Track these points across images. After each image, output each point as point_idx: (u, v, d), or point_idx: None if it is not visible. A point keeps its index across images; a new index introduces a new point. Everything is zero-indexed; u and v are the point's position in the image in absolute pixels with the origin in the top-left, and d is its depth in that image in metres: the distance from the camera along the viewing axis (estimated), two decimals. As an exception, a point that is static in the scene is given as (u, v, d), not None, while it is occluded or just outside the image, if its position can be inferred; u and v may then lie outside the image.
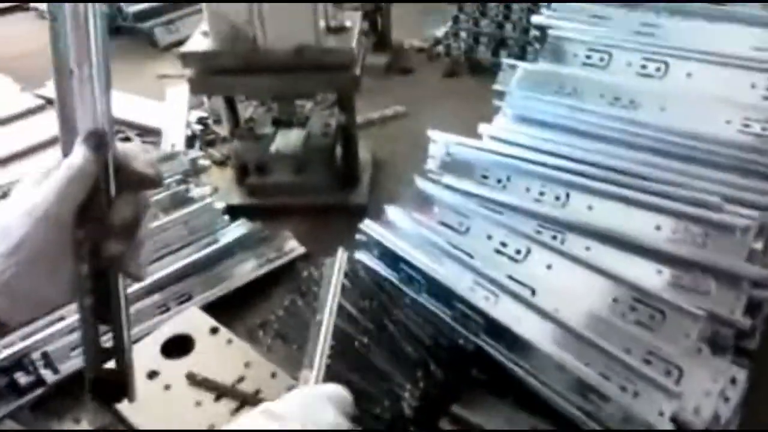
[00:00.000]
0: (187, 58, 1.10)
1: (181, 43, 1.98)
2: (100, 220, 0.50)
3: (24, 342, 0.89)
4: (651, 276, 0.92)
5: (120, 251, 0.51)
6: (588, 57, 1.26)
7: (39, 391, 0.86)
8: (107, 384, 0.51)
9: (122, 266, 0.51)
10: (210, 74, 1.11)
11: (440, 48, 1.95)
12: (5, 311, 0.50)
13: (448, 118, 1.63)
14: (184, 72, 1.78)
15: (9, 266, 0.48)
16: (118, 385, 0.51)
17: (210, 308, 1.03)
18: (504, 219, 1.04)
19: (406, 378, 0.84)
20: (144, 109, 1.65)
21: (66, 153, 0.50)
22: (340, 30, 1.14)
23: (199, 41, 1.13)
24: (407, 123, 1.64)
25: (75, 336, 0.92)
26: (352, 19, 1.18)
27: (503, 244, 1.01)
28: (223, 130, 1.56)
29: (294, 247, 1.16)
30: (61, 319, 0.94)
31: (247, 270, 1.10)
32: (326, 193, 1.26)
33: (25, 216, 0.49)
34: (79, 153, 0.50)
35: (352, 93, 1.16)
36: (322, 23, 1.11)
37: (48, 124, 1.56)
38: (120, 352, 0.51)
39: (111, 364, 0.51)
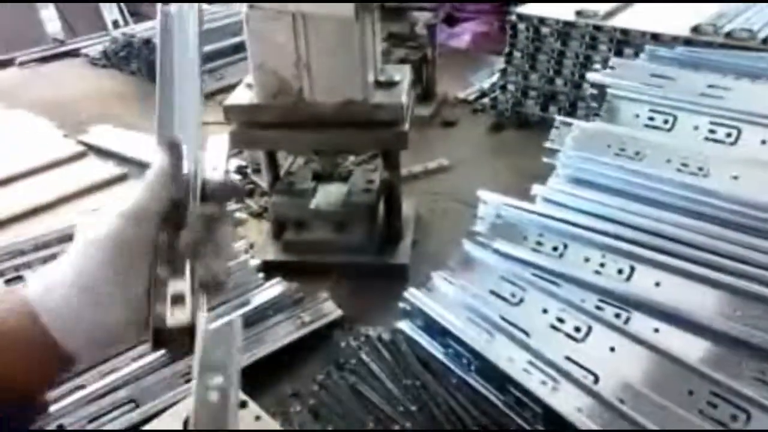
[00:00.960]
0: (230, 111, 1.06)
1: (224, 90, 2.00)
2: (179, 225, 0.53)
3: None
4: (731, 367, 0.82)
5: (196, 238, 0.53)
6: (651, 119, 1.18)
7: (53, 468, 0.79)
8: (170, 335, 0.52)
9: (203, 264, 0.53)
10: (252, 128, 1.07)
11: (486, 101, 1.90)
12: (72, 339, 0.50)
13: (494, 174, 1.57)
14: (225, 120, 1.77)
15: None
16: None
17: (239, 375, 0.96)
18: (561, 292, 0.95)
19: (453, 473, 0.75)
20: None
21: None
22: (389, 84, 1.09)
23: (243, 94, 1.09)
24: (451, 178, 1.58)
25: (93, 408, 0.86)
26: (402, 73, 1.14)
27: (560, 320, 0.92)
28: (262, 180, 1.52)
29: (331, 310, 1.09)
30: (81, 387, 0.88)
31: (280, 334, 1.03)
32: (366, 252, 1.19)
33: (113, 215, 0.52)
34: (158, 157, 0.54)
35: (399, 150, 1.10)
36: (370, 77, 1.05)
37: (89, 170, 1.54)
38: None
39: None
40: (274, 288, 1.09)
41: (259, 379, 0.95)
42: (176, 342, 0.52)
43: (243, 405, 0.87)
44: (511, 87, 1.77)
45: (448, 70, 2.01)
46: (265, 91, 1.05)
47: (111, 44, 2.29)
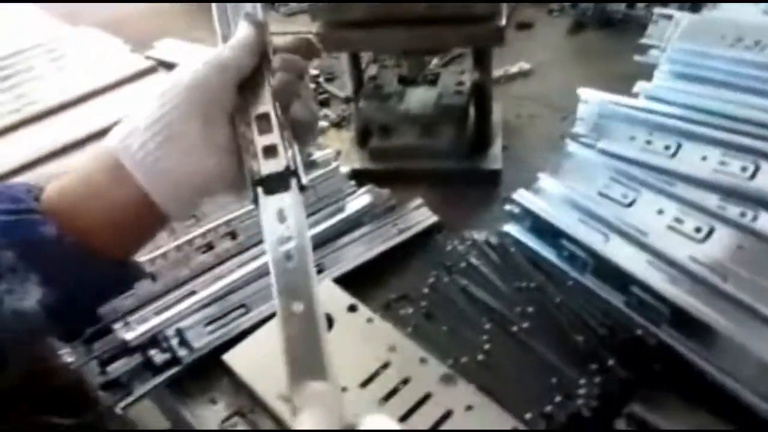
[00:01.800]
0: (315, 12, 1.01)
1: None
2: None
3: (158, 317, 0.83)
4: None
5: (286, 80, 0.56)
6: (773, 2, 1.08)
7: (174, 370, 0.80)
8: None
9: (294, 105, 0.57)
10: (340, 28, 1.01)
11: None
12: (159, 190, 0.50)
13: (579, 77, 1.47)
14: (288, 29, 1.72)
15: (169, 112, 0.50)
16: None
17: (337, 284, 0.94)
18: (678, 191, 0.90)
19: (580, 373, 0.73)
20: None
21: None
22: (483, -25, 1.01)
23: (328, -8, 1.03)
24: (534, 82, 1.50)
25: (208, 311, 0.86)
26: (494, -38, 1.05)
27: (678, 221, 0.87)
28: (336, 89, 1.48)
29: (426, 216, 1.06)
30: (193, 293, 0.88)
31: (378, 241, 1.01)
32: (456, 158, 1.15)
33: (196, 63, 0.53)
34: (244, 26, 0.56)
35: (495, 47, 1.04)
36: (463, -35, 0.98)
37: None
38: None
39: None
40: (367, 195, 1.07)
41: (363, 285, 0.94)
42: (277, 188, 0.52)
43: (352, 309, 0.87)
44: (593, -17, 1.65)
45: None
46: (351, -13, 0.99)
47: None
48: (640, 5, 1.60)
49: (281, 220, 0.50)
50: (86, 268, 0.50)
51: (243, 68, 0.54)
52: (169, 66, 1.64)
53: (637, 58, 1.37)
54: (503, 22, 1.01)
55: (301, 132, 0.56)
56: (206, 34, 1.88)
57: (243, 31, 0.56)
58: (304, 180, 0.53)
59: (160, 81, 0.55)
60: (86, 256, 0.50)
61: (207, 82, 0.51)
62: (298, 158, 0.54)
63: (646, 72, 1.24)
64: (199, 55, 0.54)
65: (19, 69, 1.64)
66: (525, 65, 1.52)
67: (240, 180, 0.53)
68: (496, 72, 1.49)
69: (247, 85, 0.55)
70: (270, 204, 0.51)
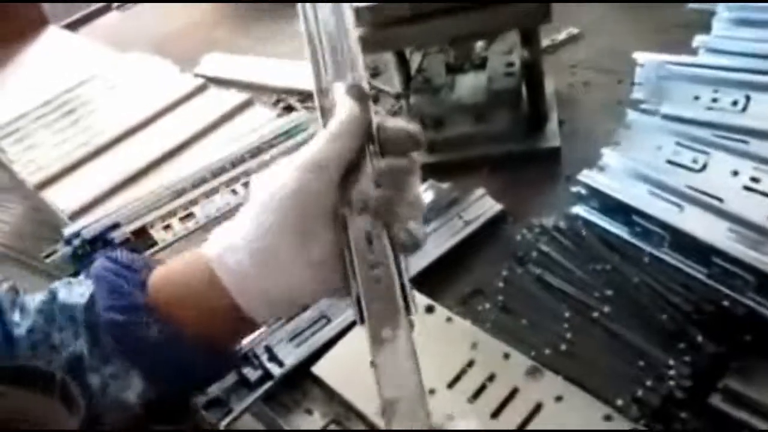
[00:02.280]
0: (358, 14, 1.01)
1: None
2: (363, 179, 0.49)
3: (245, 338, 0.87)
4: None
5: (387, 199, 0.48)
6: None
7: (267, 385, 0.84)
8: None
9: (395, 228, 0.49)
10: (384, 27, 1.01)
11: (605, -47, 1.70)
12: (252, 302, 0.50)
13: (633, 34, 1.42)
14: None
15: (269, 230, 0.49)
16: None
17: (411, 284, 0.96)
18: (752, 149, 0.86)
19: (668, 353, 0.73)
20: (298, 72, 1.60)
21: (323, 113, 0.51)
22: (520, -49, 0.98)
23: (367, -8, 1.03)
24: (584, 46, 1.45)
25: (292, 325, 0.90)
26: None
27: (755, 180, 0.84)
28: (383, 83, 1.48)
29: (490, 205, 1.05)
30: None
31: (445, 236, 1.02)
32: (513, 140, 1.14)
33: (291, 168, 0.49)
34: (347, 104, 0.49)
35: (542, 24, 1.01)
36: (500, -54, 0.96)
37: (213, 102, 1.55)
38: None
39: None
40: (428, 191, 1.07)
41: (437, 283, 0.95)
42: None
43: (430, 309, 0.88)
44: (634, -70, 1.57)
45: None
46: (390, -15, 0.98)
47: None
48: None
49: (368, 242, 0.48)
50: (185, 362, 0.51)
51: (346, 161, 0.48)
52: (218, 82, 1.68)
53: (691, 5, 1.32)
54: (547, -3, 0.98)
55: (402, 250, 0.50)
56: (249, 42, 1.93)
57: (346, 111, 0.49)
58: (413, 311, 0.49)
59: (256, 181, 0.51)
60: (186, 350, 0.50)
61: (305, 191, 0.47)
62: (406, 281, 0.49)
63: (703, 20, 1.18)
64: (291, 159, 0.49)
65: (80, 102, 1.71)
66: (573, 30, 1.48)
67: (340, 286, 0.50)
68: (544, 42, 1.45)
69: (352, 169, 0.50)
70: None
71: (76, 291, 0.51)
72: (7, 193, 1.56)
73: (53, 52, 2.06)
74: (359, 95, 0.50)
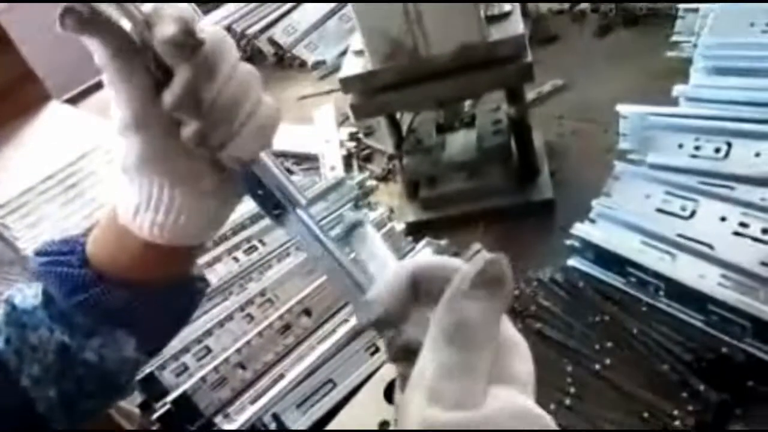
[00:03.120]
0: (347, 83, 1.05)
1: (318, 63, 2.00)
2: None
3: (254, 406, 0.88)
4: None
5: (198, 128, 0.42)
6: (798, -18, 1.06)
7: (277, 454, 0.84)
8: None
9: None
10: (372, 95, 1.05)
11: (585, 5, 1.77)
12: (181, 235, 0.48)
13: (615, 83, 1.47)
14: (322, 89, 1.77)
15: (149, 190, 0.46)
16: None
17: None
18: (737, 194, 0.89)
19: (672, 403, 0.73)
20: (295, 135, 1.64)
21: None
22: (502, 17, 1.03)
23: (355, 62, 1.07)
24: (570, 96, 1.50)
25: (298, 391, 0.90)
26: (509, 1, 1.07)
27: (743, 225, 0.86)
28: (376, 142, 1.52)
29: (488, 260, 1.07)
30: (282, 376, 0.92)
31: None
32: (507, 194, 1.17)
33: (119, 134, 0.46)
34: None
35: (526, 83, 1.05)
36: (482, 14, 1.00)
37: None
38: None
39: None
40: (426, 250, 1.09)
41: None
42: None
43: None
44: (611, -16, 1.64)
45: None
46: (378, 55, 1.03)
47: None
48: (663, -3, 1.58)
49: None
50: (150, 306, 0.52)
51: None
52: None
53: (669, 54, 1.37)
54: (529, 57, 1.03)
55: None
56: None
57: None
58: None
59: None
60: (142, 297, 0.51)
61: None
62: None
63: (681, 67, 1.23)
64: None
65: (83, 175, 1.75)
66: (558, 81, 1.53)
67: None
68: (530, 94, 1.50)
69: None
70: None
71: (29, 294, 0.52)
72: (9, 266, 1.57)
73: (55, 126, 2.12)
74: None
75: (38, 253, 0.53)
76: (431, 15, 0.96)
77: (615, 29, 1.66)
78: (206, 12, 2.59)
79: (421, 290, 0.37)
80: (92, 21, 0.40)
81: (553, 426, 0.33)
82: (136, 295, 0.51)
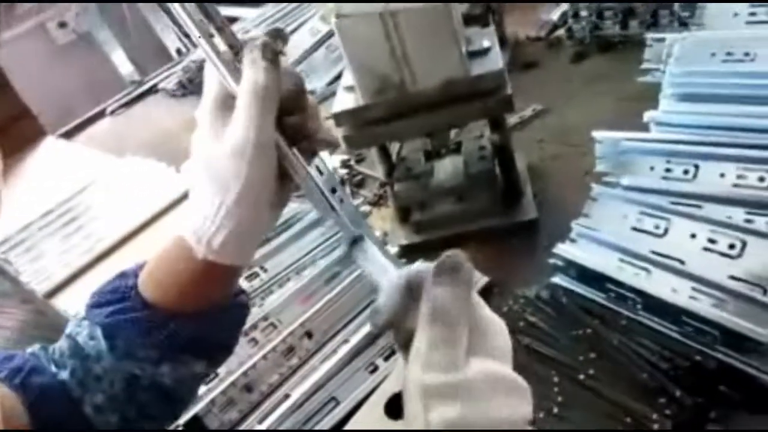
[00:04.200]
0: (339, 118, 1.12)
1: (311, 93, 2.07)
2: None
3: (261, 425, 0.93)
4: None
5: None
6: (752, 14, 1.15)
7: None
8: None
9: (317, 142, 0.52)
10: (363, 128, 1.12)
11: (560, 32, 1.86)
12: (235, 255, 0.52)
13: (592, 106, 1.55)
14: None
15: (237, 214, 0.50)
16: None
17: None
18: (705, 212, 0.96)
19: (651, 408, 0.80)
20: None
21: None
22: (482, 52, 1.11)
23: (346, 98, 1.14)
24: (550, 120, 1.58)
25: (303, 410, 0.96)
26: (489, 37, 1.15)
27: (712, 241, 0.93)
28: (369, 169, 1.58)
29: (478, 278, 1.13)
30: (287, 396, 0.98)
31: (439, 312, 1.09)
32: (494, 216, 1.24)
33: (234, 159, 0.49)
34: (259, 66, 0.49)
35: (506, 113, 1.13)
36: (463, 50, 1.08)
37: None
38: None
39: None
40: (420, 270, 1.15)
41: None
42: None
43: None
44: (584, 12, 1.73)
45: (512, 12, 1.98)
46: (368, 90, 1.10)
47: (185, 74, 2.40)
48: (633, 23, 1.67)
49: None
50: (208, 332, 0.56)
51: (271, 133, 0.50)
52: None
53: (640, 79, 1.45)
54: (509, 90, 1.10)
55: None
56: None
57: (259, 75, 0.49)
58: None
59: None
60: (199, 324, 0.55)
61: (253, 178, 0.50)
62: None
63: (652, 91, 1.31)
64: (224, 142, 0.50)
65: (82, 209, 1.79)
66: (538, 106, 1.61)
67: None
68: (513, 119, 1.58)
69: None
70: None
71: (90, 338, 0.55)
72: (7, 299, 1.61)
73: (52, 161, 2.17)
74: (271, 56, 0.50)
75: (94, 306, 0.56)
76: (416, 53, 1.03)
77: (590, 55, 1.75)
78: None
79: (414, 291, 0.45)
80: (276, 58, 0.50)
81: (526, 388, 0.43)
82: (201, 323, 0.55)
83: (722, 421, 0.80)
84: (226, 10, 2.94)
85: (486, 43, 1.13)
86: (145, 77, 2.66)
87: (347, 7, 1.02)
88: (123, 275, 0.58)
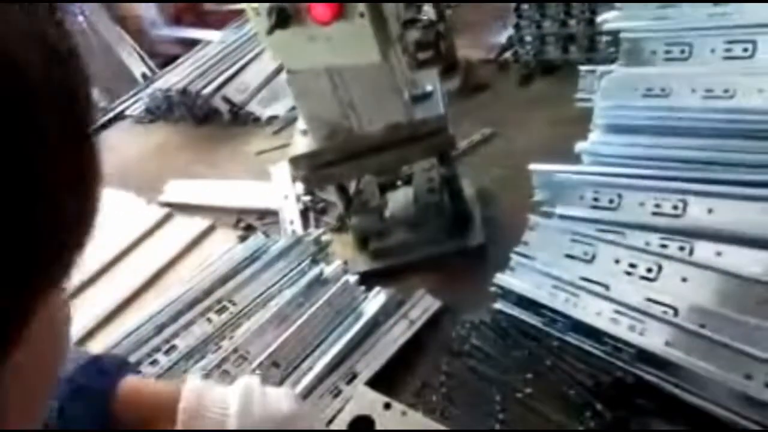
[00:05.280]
0: (297, 162, 1.21)
1: (271, 118, 2.16)
2: None
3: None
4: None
5: None
6: (668, 52, 1.26)
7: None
8: None
9: None
10: (319, 169, 1.21)
11: (508, 55, 1.97)
12: None
13: (536, 129, 1.66)
14: (277, 143, 1.91)
15: None
16: None
17: (372, 381, 1.13)
18: (626, 239, 1.07)
19: (577, 422, 0.91)
20: (255, 192, 1.79)
21: None
22: (425, 96, 1.21)
23: (301, 141, 1.23)
24: (497, 144, 1.68)
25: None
26: (431, 80, 1.25)
27: (632, 266, 1.04)
28: (330, 195, 1.67)
29: (431, 303, 1.24)
30: None
31: (396, 336, 1.19)
32: (445, 242, 1.34)
33: None
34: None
35: (450, 151, 1.23)
36: (406, 96, 1.17)
37: (180, 231, 1.72)
38: None
39: None
40: (378, 297, 1.26)
41: (390, 379, 1.12)
42: None
43: (387, 406, 1.04)
44: (528, 38, 1.84)
45: (464, 35, 2.08)
46: (320, 136, 1.19)
47: (151, 101, 2.46)
48: (573, 48, 1.79)
49: None
50: None
51: None
52: (182, 207, 1.84)
53: (577, 105, 1.57)
54: (450, 130, 1.20)
55: None
56: (204, 168, 2.12)
57: None
58: None
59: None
60: None
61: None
62: None
63: (589, 113, 1.42)
64: None
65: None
66: (486, 130, 1.71)
67: None
68: (463, 143, 1.68)
69: None
70: None
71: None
72: None
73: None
74: None
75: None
76: (362, 102, 1.13)
77: (536, 78, 1.86)
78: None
79: None
80: None
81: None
82: None
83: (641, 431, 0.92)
84: (190, 33, 3.02)
85: (428, 87, 1.22)
86: (110, 104, 2.71)
87: (296, 63, 1.10)
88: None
